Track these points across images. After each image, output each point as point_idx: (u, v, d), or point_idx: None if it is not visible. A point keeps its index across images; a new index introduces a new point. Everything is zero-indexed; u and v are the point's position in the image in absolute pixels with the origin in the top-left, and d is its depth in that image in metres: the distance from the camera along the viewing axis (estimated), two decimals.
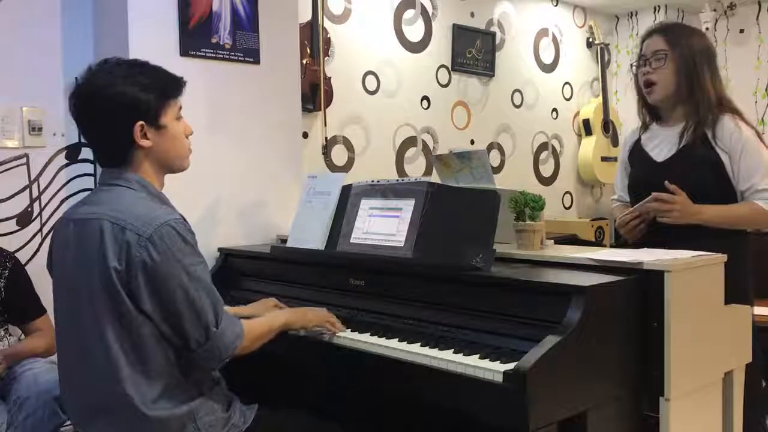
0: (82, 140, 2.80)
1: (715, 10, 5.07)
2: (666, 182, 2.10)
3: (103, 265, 1.50)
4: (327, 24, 3.65)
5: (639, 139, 2.36)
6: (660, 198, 2.11)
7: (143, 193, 1.61)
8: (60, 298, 1.65)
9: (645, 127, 2.36)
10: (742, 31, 5.09)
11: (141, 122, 1.59)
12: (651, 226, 2.18)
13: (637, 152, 2.35)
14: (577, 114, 5.18)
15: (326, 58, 3.60)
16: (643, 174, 2.29)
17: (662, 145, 2.26)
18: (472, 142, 4.46)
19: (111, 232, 1.51)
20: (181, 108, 1.70)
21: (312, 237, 2.24)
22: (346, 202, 2.20)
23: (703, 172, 2.15)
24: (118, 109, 1.57)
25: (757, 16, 5.02)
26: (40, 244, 2.71)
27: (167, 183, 1.73)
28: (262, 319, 1.78)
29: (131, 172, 1.63)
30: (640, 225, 2.19)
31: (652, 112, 2.34)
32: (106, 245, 1.50)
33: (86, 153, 2.82)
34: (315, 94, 3.48)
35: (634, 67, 2.34)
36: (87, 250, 1.54)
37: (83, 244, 1.55)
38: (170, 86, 1.66)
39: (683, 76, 2.18)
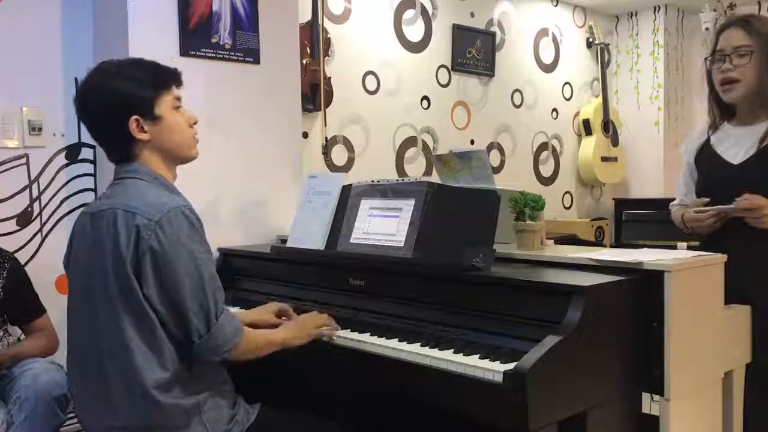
0: (83, 140, 2.81)
1: (715, 10, 5.07)
2: (737, 199, 1.99)
3: (116, 252, 1.52)
4: (327, 24, 3.65)
5: (708, 140, 2.21)
6: (744, 207, 1.99)
7: (154, 184, 1.64)
8: (75, 289, 1.66)
9: (715, 127, 2.20)
10: None
11: (135, 116, 1.61)
12: (725, 227, 2.08)
13: (706, 155, 2.20)
14: (577, 114, 5.19)
15: (326, 58, 3.59)
16: (718, 177, 2.15)
17: (738, 146, 2.12)
18: (472, 142, 4.46)
19: (123, 218, 1.54)
20: (179, 98, 1.71)
21: (312, 237, 2.23)
22: (346, 202, 2.20)
23: None
24: (111, 106, 1.61)
25: None
26: (40, 244, 2.71)
27: None
28: (261, 331, 1.77)
29: (141, 165, 1.65)
30: (716, 223, 2.08)
31: (724, 111, 2.19)
32: (119, 232, 1.53)
33: (86, 153, 2.82)
34: (315, 94, 3.48)
35: (707, 62, 2.16)
36: (101, 239, 1.56)
37: (98, 234, 1.58)
38: (162, 77, 1.67)
39: (767, 74, 2.05)
